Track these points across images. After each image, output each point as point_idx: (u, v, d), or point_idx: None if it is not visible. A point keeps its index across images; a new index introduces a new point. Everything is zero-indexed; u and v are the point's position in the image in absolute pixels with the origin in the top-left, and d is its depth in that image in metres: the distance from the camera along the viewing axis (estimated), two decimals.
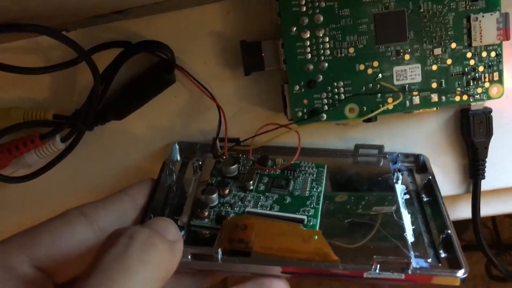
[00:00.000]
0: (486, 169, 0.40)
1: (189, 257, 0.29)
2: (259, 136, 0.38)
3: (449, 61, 0.37)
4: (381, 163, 0.40)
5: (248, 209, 0.34)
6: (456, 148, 0.41)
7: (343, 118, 0.38)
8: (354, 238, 0.33)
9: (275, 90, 0.39)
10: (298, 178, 0.37)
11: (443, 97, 0.38)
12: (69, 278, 0.27)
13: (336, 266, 0.29)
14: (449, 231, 0.33)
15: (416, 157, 0.41)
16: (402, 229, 0.34)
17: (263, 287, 0.28)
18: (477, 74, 0.37)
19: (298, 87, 0.37)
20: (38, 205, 0.41)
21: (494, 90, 0.38)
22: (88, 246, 0.27)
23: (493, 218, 1.01)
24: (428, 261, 0.32)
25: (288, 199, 0.35)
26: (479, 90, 0.38)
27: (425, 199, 0.38)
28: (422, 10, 0.36)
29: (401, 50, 0.37)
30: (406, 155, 0.41)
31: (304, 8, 0.35)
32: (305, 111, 0.37)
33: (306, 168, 0.38)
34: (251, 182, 0.35)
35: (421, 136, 0.41)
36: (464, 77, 0.37)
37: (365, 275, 0.29)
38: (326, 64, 0.36)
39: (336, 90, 0.37)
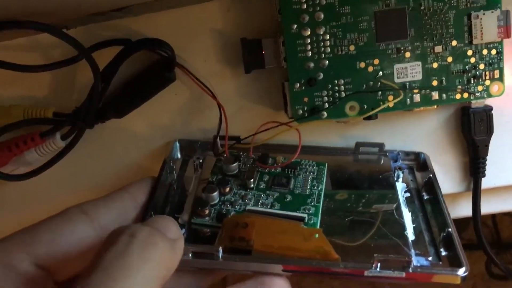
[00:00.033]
0: (486, 167, 0.40)
1: (190, 255, 0.29)
2: (260, 134, 0.38)
3: (449, 59, 0.37)
4: (382, 161, 0.40)
5: (248, 207, 0.34)
6: (457, 146, 0.41)
7: (343, 116, 0.38)
8: (355, 236, 0.33)
9: (276, 88, 0.39)
10: (298, 176, 0.37)
11: (444, 95, 0.38)
12: (69, 276, 0.27)
13: (337, 264, 0.29)
14: (450, 229, 0.33)
15: (417, 155, 0.41)
16: (402, 227, 0.34)
17: (264, 286, 0.28)
18: (477, 72, 0.37)
19: (298, 85, 0.37)
20: (38, 203, 0.41)
21: (494, 88, 0.38)
22: (88, 244, 0.27)
23: (493, 217, 1.01)
24: (429, 260, 0.32)
25: (289, 197, 0.35)
26: (480, 88, 0.38)
27: (425, 197, 0.38)
28: (422, 7, 0.36)
29: (402, 48, 0.37)
30: (407, 153, 0.41)
31: (305, 6, 0.35)
32: (305, 109, 0.37)
33: (307, 166, 0.38)
34: (252, 180, 0.35)
35: (422, 134, 0.41)
36: (465, 75, 0.37)
37: (366, 273, 0.29)
38: (327, 62, 0.36)
39: (336, 88, 0.37)
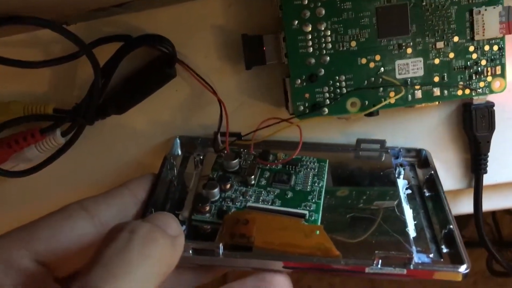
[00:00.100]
0: (488, 163, 0.40)
1: (190, 252, 0.29)
2: (261, 131, 0.38)
3: (451, 55, 0.37)
4: (383, 158, 0.40)
5: (249, 203, 0.34)
6: (458, 143, 0.41)
7: (344, 112, 0.38)
8: (356, 233, 0.33)
9: (277, 84, 0.39)
10: (299, 173, 0.37)
11: (445, 91, 0.37)
12: (69, 272, 0.27)
13: (338, 261, 0.29)
14: (451, 226, 0.33)
15: (418, 151, 0.41)
16: (404, 224, 0.34)
17: (265, 282, 0.28)
18: (479, 68, 0.37)
19: (299, 81, 0.37)
20: (38, 199, 0.41)
21: (496, 84, 0.38)
22: (88, 240, 0.27)
23: (493, 215, 1.01)
24: (430, 257, 0.32)
25: (290, 194, 0.35)
26: (482, 84, 0.38)
27: (427, 194, 0.38)
28: (424, 3, 0.36)
29: (403, 44, 0.36)
30: (408, 150, 0.41)
31: (306, 1, 0.35)
32: (306, 105, 0.37)
33: (308, 163, 0.38)
34: (253, 176, 0.35)
35: (423, 130, 0.41)
36: (467, 71, 0.37)
37: (367, 270, 0.29)
38: (328, 58, 0.36)
39: (337, 84, 0.37)
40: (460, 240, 0.32)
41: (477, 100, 0.39)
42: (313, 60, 0.36)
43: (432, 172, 0.38)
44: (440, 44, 0.37)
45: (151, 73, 0.38)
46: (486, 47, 0.37)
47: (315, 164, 0.38)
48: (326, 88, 0.37)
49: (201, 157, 0.38)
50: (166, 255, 0.24)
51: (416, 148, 0.41)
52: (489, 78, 0.37)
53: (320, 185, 0.36)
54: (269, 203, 0.34)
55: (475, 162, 0.40)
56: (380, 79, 0.37)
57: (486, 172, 0.40)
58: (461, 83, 0.37)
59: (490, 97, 0.39)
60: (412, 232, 0.33)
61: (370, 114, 0.37)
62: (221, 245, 0.29)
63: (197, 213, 0.33)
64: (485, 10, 0.36)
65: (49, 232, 0.26)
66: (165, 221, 0.26)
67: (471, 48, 0.37)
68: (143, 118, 0.40)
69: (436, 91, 0.37)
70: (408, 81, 0.37)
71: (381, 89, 0.37)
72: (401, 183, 0.38)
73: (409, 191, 0.38)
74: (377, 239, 0.32)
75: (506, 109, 0.40)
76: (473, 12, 0.36)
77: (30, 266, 0.25)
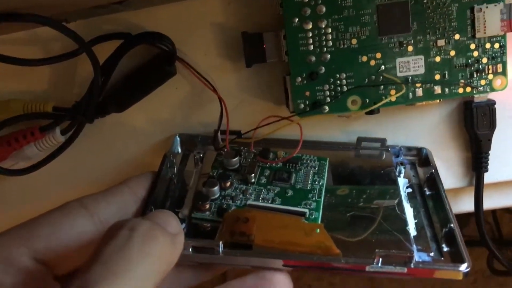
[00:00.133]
0: (489, 161, 0.40)
1: (190, 250, 0.29)
2: (261, 129, 0.38)
3: (452, 53, 0.37)
4: (384, 156, 0.40)
5: (249, 202, 0.34)
6: (459, 141, 0.41)
7: (345, 110, 0.37)
8: (356, 232, 0.33)
9: (277, 82, 0.39)
10: (300, 171, 0.36)
11: (446, 89, 0.37)
12: (69, 270, 0.27)
13: (338, 259, 0.29)
14: (452, 225, 0.33)
15: (419, 150, 0.41)
16: (404, 222, 0.33)
17: (265, 281, 0.28)
18: (480, 66, 0.37)
19: (300, 79, 0.37)
20: (38, 198, 0.41)
21: (497, 82, 0.38)
22: (88, 238, 0.27)
23: (494, 214, 1.01)
24: (431, 255, 0.32)
25: (290, 192, 0.35)
26: (483, 82, 0.37)
27: (427, 193, 0.38)
28: (425, 1, 0.36)
29: (404, 42, 0.36)
30: (409, 148, 0.41)
31: None
32: (307, 103, 0.37)
33: (308, 161, 0.38)
34: (253, 175, 0.35)
35: (424, 128, 0.41)
36: (468, 69, 0.37)
37: (367, 268, 0.29)
38: (329, 55, 0.36)
39: (338, 82, 0.37)
40: (461, 239, 0.32)
41: (478, 98, 0.39)
42: (313, 58, 0.36)
43: (433, 170, 0.38)
44: (441, 42, 0.36)
45: (151, 71, 0.38)
46: (487, 45, 0.37)
47: (316, 162, 0.38)
48: (327, 86, 0.37)
49: (201, 155, 0.38)
50: (166, 253, 0.24)
51: (417, 147, 0.41)
52: (490, 76, 0.37)
53: (320, 183, 0.36)
54: (269, 201, 0.34)
55: (476, 160, 0.40)
56: (381, 77, 0.37)
57: (487, 171, 0.40)
58: (462, 81, 0.37)
59: (491, 95, 0.39)
60: (412, 231, 0.33)
61: (370, 112, 0.37)
62: (221, 243, 0.29)
63: (197, 211, 0.33)
64: (486, 7, 0.36)
65: (49, 230, 0.26)
66: (165, 219, 0.26)
67: (472, 46, 0.37)
68: (143, 116, 0.40)
69: (437, 89, 0.37)
70: (409, 79, 0.37)
71: (382, 87, 0.37)
72: (402, 181, 0.38)
73: (409, 190, 0.38)
74: (377, 238, 0.32)
75: (507, 107, 0.40)
76: (474, 9, 0.36)
77: (29, 264, 0.25)
